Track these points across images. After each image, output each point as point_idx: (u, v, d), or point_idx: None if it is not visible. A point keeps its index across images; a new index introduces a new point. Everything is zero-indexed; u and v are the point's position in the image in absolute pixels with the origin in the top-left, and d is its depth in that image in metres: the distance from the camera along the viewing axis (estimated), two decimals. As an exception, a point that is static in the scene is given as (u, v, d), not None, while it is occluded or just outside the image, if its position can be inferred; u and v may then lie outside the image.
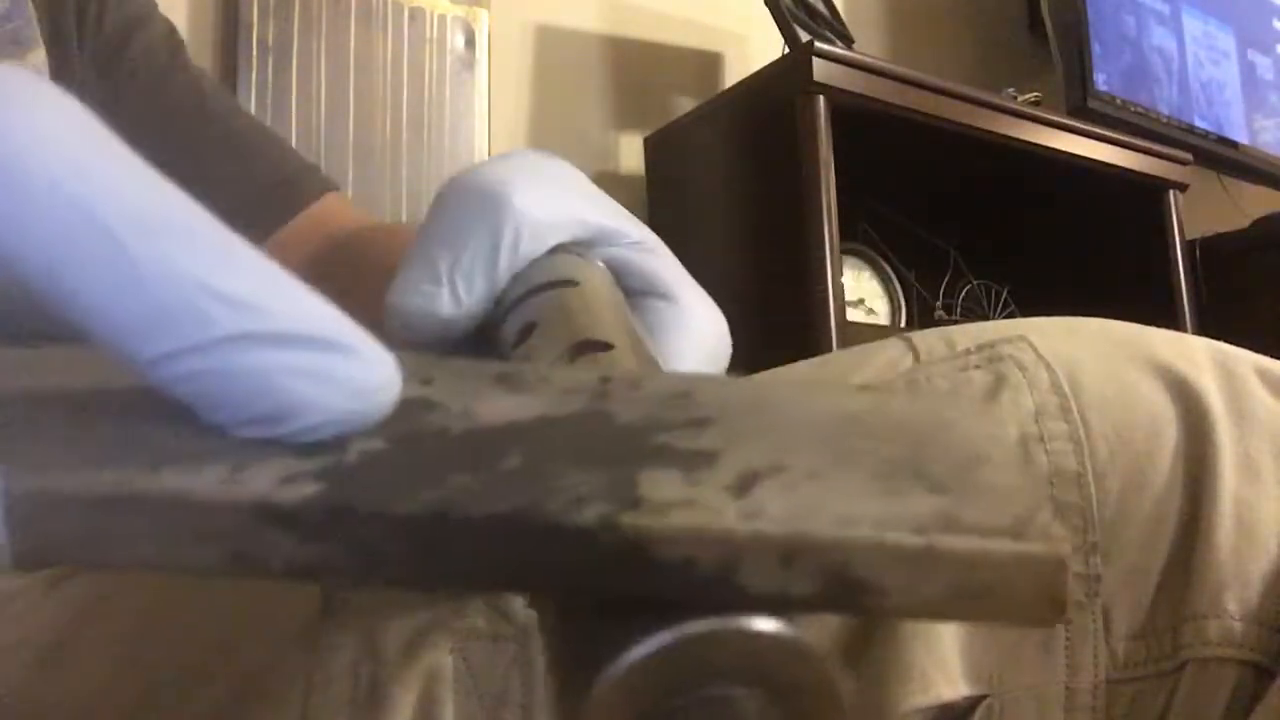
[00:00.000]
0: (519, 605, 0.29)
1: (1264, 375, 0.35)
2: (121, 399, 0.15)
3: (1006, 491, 0.14)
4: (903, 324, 1.51)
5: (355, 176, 1.24)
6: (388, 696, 0.27)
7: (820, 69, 1.18)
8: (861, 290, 1.49)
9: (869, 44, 1.63)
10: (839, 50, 1.22)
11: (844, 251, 1.29)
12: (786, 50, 1.32)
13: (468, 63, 1.35)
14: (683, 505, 0.13)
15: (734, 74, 1.59)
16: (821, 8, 1.42)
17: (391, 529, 0.13)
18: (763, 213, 1.25)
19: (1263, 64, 2.06)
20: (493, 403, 0.16)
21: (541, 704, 0.28)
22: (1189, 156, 1.59)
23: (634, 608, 0.13)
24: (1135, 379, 0.35)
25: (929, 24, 1.86)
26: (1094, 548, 0.32)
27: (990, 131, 1.34)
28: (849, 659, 0.32)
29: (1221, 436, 0.33)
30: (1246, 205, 1.93)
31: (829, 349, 1.12)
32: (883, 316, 1.51)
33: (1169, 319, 1.50)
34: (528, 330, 0.23)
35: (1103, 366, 0.35)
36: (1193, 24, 1.89)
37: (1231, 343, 0.37)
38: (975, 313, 1.59)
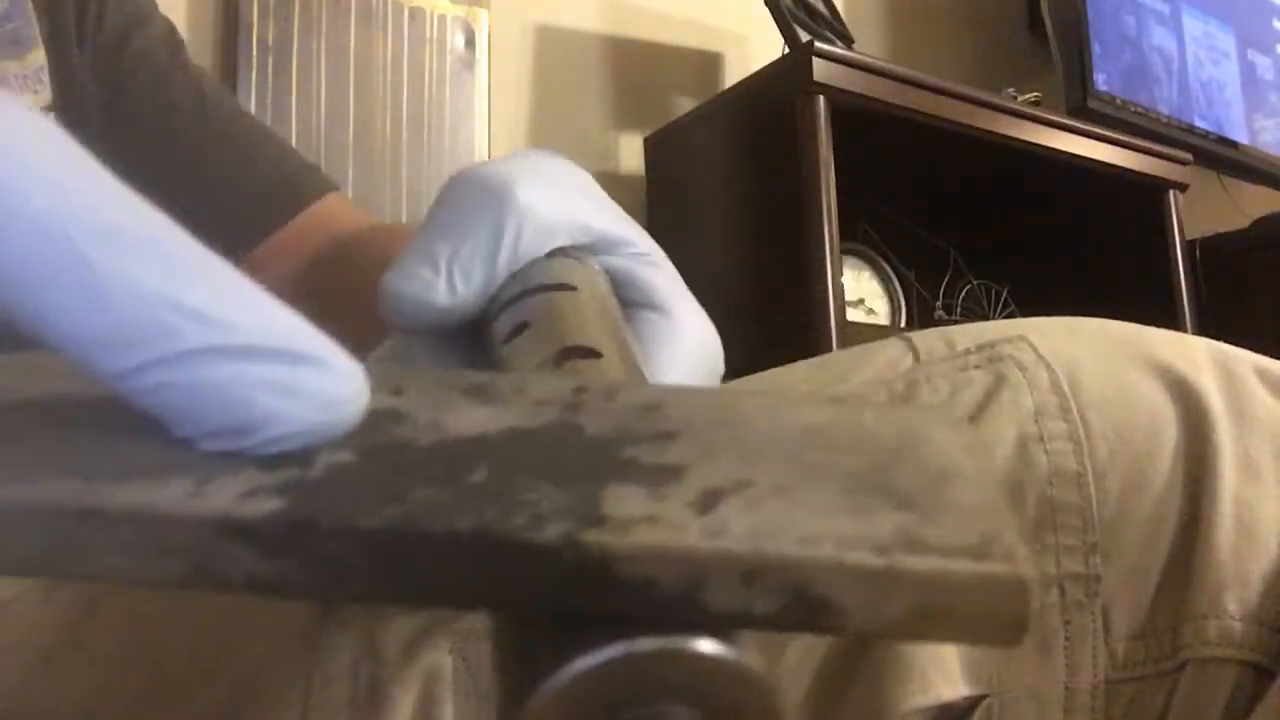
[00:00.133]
0: None
1: (1264, 375, 0.35)
2: (89, 409, 0.15)
3: (973, 510, 0.14)
4: (903, 324, 1.51)
5: (355, 176, 1.24)
6: (387, 696, 0.27)
7: (820, 69, 1.18)
8: (861, 290, 1.49)
9: (869, 44, 1.63)
10: (839, 50, 1.22)
11: (844, 251, 1.29)
12: (786, 50, 1.32)
13: (468, 63, 1.35)
14: (646, 522, 0.13)
15: (734, 74, 1.59)
16: (821, 8, 1.43)
17: (353, 545, 0.13)
18: (763, 213, 1.25)
19: (1263, 64, 2.06)
20: (463, 414, 0.16)
21: None
22: (1189, 156, 1.59)
23: (584, 618, 0.13)
24: (1135, 379, 0.35)
25: (929, 24, 1.86)
26: (1094, 548, 0.32)
27: (990, 131, 1.34)
28: (849, 659, 0.32)
29: (1221, 436, 0.33)
30: (1246, 205, 1.93)
31: (829, 349, 1.12)
32: (883, 316, 1.51)
33: (1169, 319, 1.50)
34: (519, 330, 0.23)
35: (1103, 366, 0.35)
36: (1193, 24, 1.89)
37: (1231, 343, 0.37)
38: (975, 313, 1.59)
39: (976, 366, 0.36)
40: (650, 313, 0.27)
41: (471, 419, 0.16)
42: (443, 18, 1.34)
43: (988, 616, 0.13)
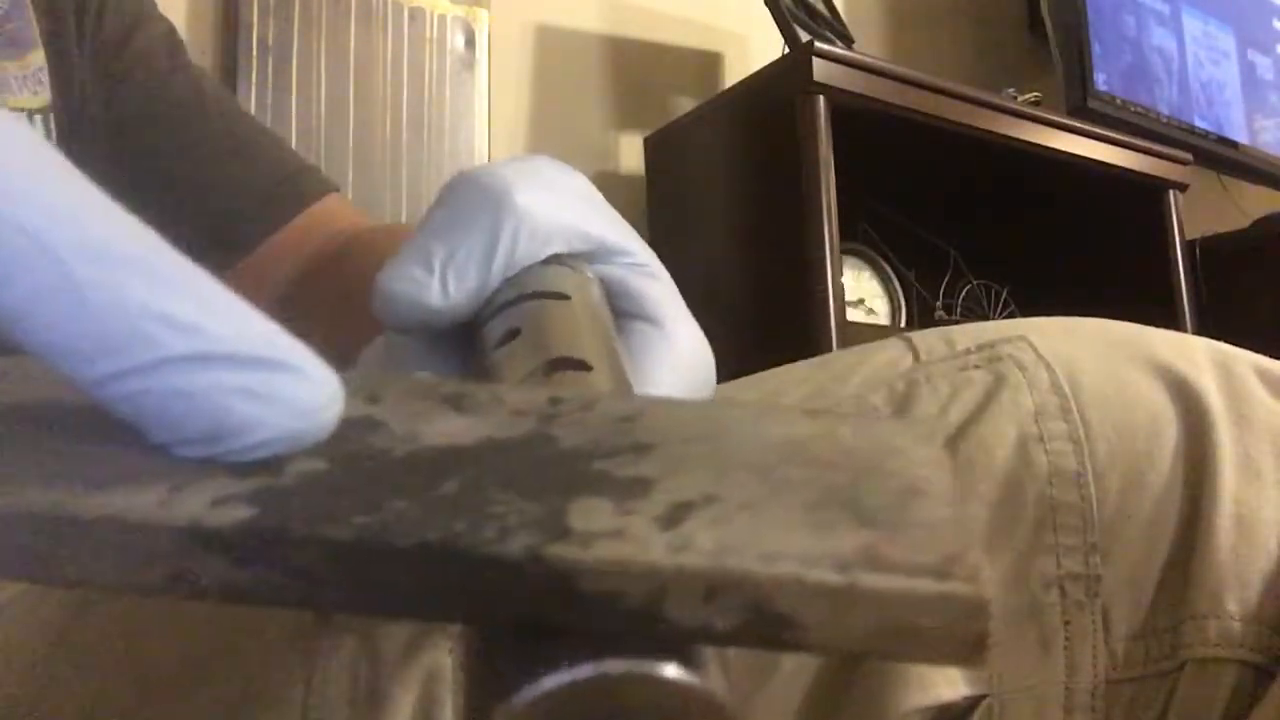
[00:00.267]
0: None
1: (1264, 375, 0.35)
2: (67, 416, 0.15)
3: (937, 529, 0.14)
4: (903, 324, 1.51)
5: (355, 176, 1.24)
6: (387, 697, 0.27)
7: (820, 69, 1.18)
8: (861, 290, 1.49)
9: (869, 44, 1.63)
10: (839, 50, 1.22)
11: (844, 251, 1.29)
12: (786, 50, 1.32)
13: (468, 63, 1.35)
14: (610, 537, 0.14)
15: (734, 74, 1.59)
16: (821, 8, 1.43)
17: (322, 555, 0.14)
18: (763, 213, 1.25)
19: (1263, 64, 2.06)
20: (438, 424, 0.16)
21: None
22: (1189, 156, 1.59)
23: (553, 637, 0.13)
24: (1135, 379, 0.35)
25: (929, 24, 1.86)
26: (1094, 548, 0.32)
27: (990, 131, 1.34)
28: (849, 660, 0.32)
29: (1221, 436, 0.33)
30: (1246, 205, 1.93)
31: (829, 349, 1.12)
32: (883, 316, 1.51)
33: (1169, 319, 1.50)
34: (510, 336, 0.23)
35: (1102, 366, 0.35)
36: (1193, 24, 1.89)
37: (1231, 343, 0.37)
38: (975, 313, 1.59)
39: (976, 366, 0.36)
40: (643, 324, 0.27)
41: (446, 429, 0.16)
42: (443, 18, 1.34)
43: (948, 636, 0.13)
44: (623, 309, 0.27)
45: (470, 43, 1.35)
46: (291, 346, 0.15)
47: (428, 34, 1.32)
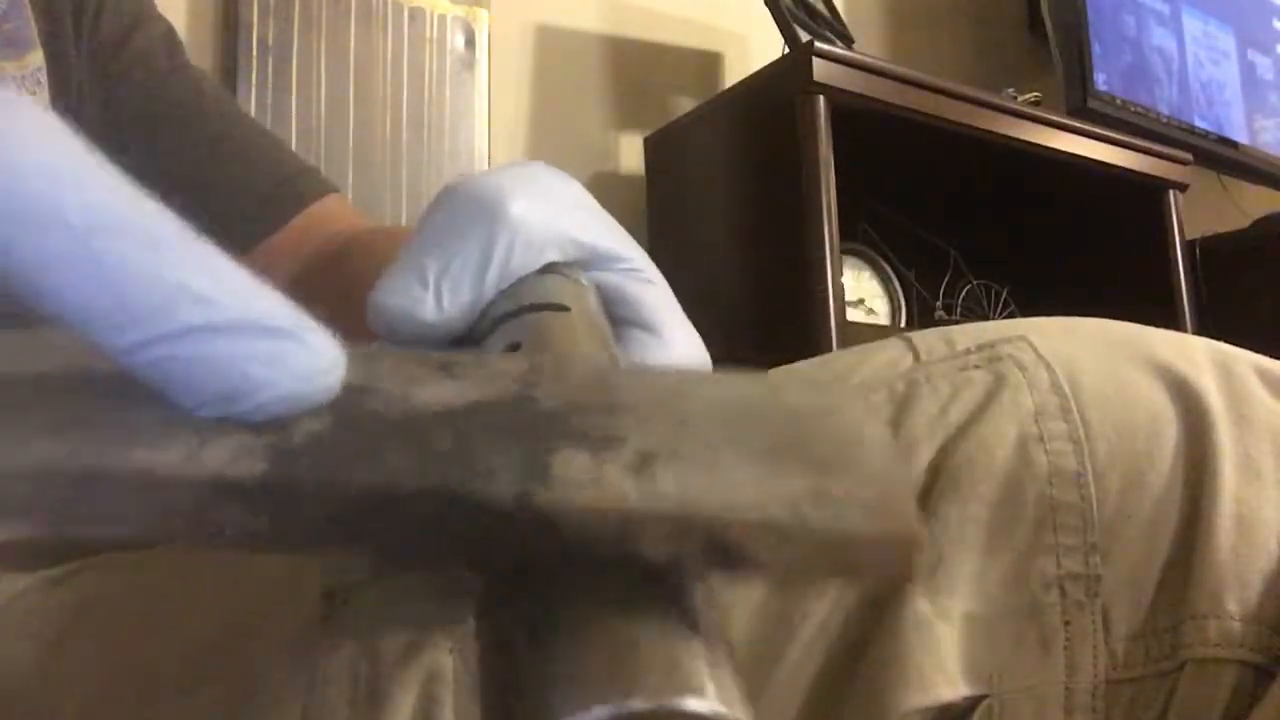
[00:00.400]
0: None
1: (1264, 375, 0.35)
2: (94, 381, 0.17)
3: (873, 473, 0.16)
4: (903, 324, 1.51)
5: (355, 177, 1.24)
6: (387, 696, 0.27)
7: (820, 69, 1.18)
8: (861, 290, 1.49)
9: (869, 44, 1.63)
10: (839, 50, 1.22)
11: (844, 251, 1.29)
12: (786, 50, 1.32)
13: (468, 63, 1.35)
14: (589, 483, 0.15)
15: (734, 74, 1.59)
16: (821, 8, 1.43)
17: (331, 502, 0.15)
18: (763, 213, 1.25)
19: (1263, 64, 2.06)
20: (429, 389, 0.18)
21: None
22: (1189, 156, 1.59)
23: (571, 679, 0.14)
24: (1135, 379, 0.35)
25: (929, 24, 1.86)
26: (1094, 548, 0.32)
27: (990, 131, 1.34)
28: (849, 660, 0.32)
29: (1221, 436, 0.33)
30: (1246, 205, 1.93)
31: (829, 349, 1.12)
32: (883, 316, 1.51)
33: (1169, 319, 1.50)
34: (511, 350, 0.23)
35: (1102, 366, 0.35)
36: (1193, 24, 1.89)
37: (1231, 343, 0.37)
38: (975, 313, 1.59)
39: (976, 366, 0.36)
40: (639, 332, 0.27)
41: (437, 393, 0.18)
42: (443, 18, 1.34)
43: (882, 564, 0.15)
44: (619, 316, 0.27)
45: (470, 43, 1.35)
46: (297, 317, 0.17)
47: (428, 34, 1.32)
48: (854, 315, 1.41)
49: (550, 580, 0.15)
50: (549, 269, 0.26)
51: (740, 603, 0.32)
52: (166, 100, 0.53)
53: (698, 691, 0.13)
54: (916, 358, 0.37)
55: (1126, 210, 1.58)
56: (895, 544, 0.15)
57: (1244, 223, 1.82)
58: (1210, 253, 1.66)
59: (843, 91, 1.20)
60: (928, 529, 0.32)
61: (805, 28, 1.31)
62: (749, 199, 1.28)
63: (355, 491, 0.15)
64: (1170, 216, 1.55)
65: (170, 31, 0.57)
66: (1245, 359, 0.36)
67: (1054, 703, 0.32)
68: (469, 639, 0.28)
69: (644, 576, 0.15)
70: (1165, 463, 0.33)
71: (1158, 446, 0.33)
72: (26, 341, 0.18)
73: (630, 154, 1.49)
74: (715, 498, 0.15)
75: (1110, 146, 1.47)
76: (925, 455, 0.34)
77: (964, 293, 1.60)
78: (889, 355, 0.37)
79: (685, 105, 1.49)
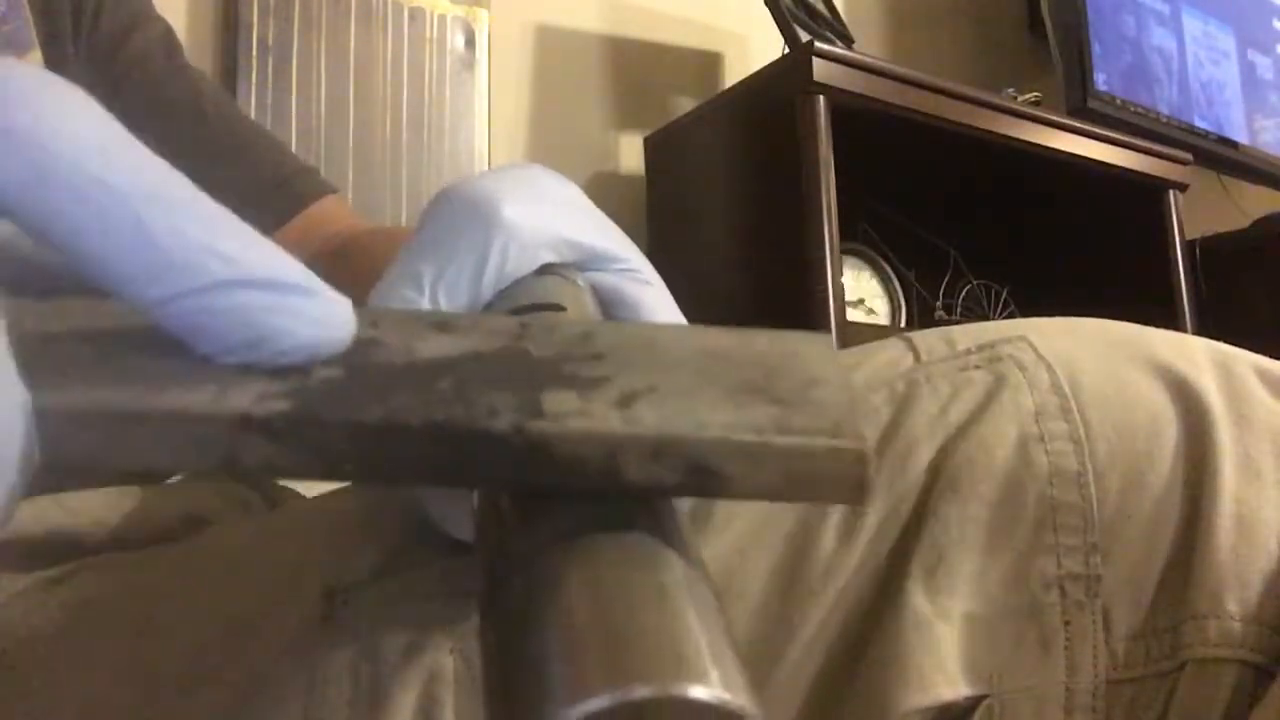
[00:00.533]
0: None
1: (1264, 375, 0.35)
2: (132, 337, 0.18)
3: (831, 405, 0.18)
4: (903, 324, 1.51)
5: (355, 177, 1.24)
6: (388, 697, 0.27)
7: (820, 69, 1.18)
8: (861, 290, 1.49)
9: (869, 44, 1.63)
10: (839, 50, 1.22)
11: (844, 251, 1.29)
12: (786, 50, 1.32)
13: (468, 63, 1.35)
14: (577, 415, 0.17)
15: (734, 74, 1.59)
16: (821, 8, 1.43)
17: (348, 435, 0.17)
18: (763, 213, 1.25)
19: (1263, 64, 2.06)
20: (429, 342, 0.20)
21: None
22: (1189, 156, 1.59)
23: (571, 662, 0.14)
24: (1135, 379, 0.35)
25: (929, 24, 1.86)
26: (1094, 548, 0.32)
27: (990, 131, 1.34)
28: (849, 659, 0.32)
29: (1221, 436, 0.33)
30: (1246, 205, 1.93)
31: (829, 349, 1.12)
32: (883, 316, 1.51)
33: (1169, 319, 1.50)
34: None
35: (1102, 366, 0.35)
36: (1193, 24, 1.89)
37: (1231, 343, 0.37)
38: (975, 313, 1.59)
39: (977, 366, 0.36)
40: None
41: (436, 345, 0.20)
42: (443, 18, 1.34)
43: (838, 481, 0.17)
44: (616, 316, 0.27)
45: (470, 43, 1.35)
46: (311, 275, 0.18)
47: (428, 34, 1.32)
48: (854, 315, 1.41)
49: (545, 548, 0.16)
50: (545, 270, 0.26)
51: (740, 603, 0.32)
52: (165, 101, 0.53)
53: (701, 678, 0.14)
54: (917, 358, 0.37)
55: (1126, 210, 1.58)
56: (848, 461, 0.17)
57: (1244, 223, 1.82)
58: (1210, 253, 1.66)
59: (843, 91, 1.20)
60: (927, 528, 0.32)
61: (805, 28, 1.31)
62: (749, 199, 1.28)
63: (368, 425, 0.17)
64: (1170, 216, 1.55)
65: (169, 32, 0.57)
66: (1245, 359, 0.36)
67: (1054, 703, 0.32)
68: (469, 639, 0.28)
69: (639, 537, 0.16)
70: (1165, 463, 0.33)
71: (1158, 446, 0.33)
72: (63, 306, 0.20)
73: (630, 154, 1.49)
74: (691, 426, 0.17)
75: (1110, 146, 1.47)
76: (925, 455, 0.34)
77: (964, 293, 1.60)
78: (889, 355, 0.37)
79: (685, 105, 1.49)
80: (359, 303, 0.25)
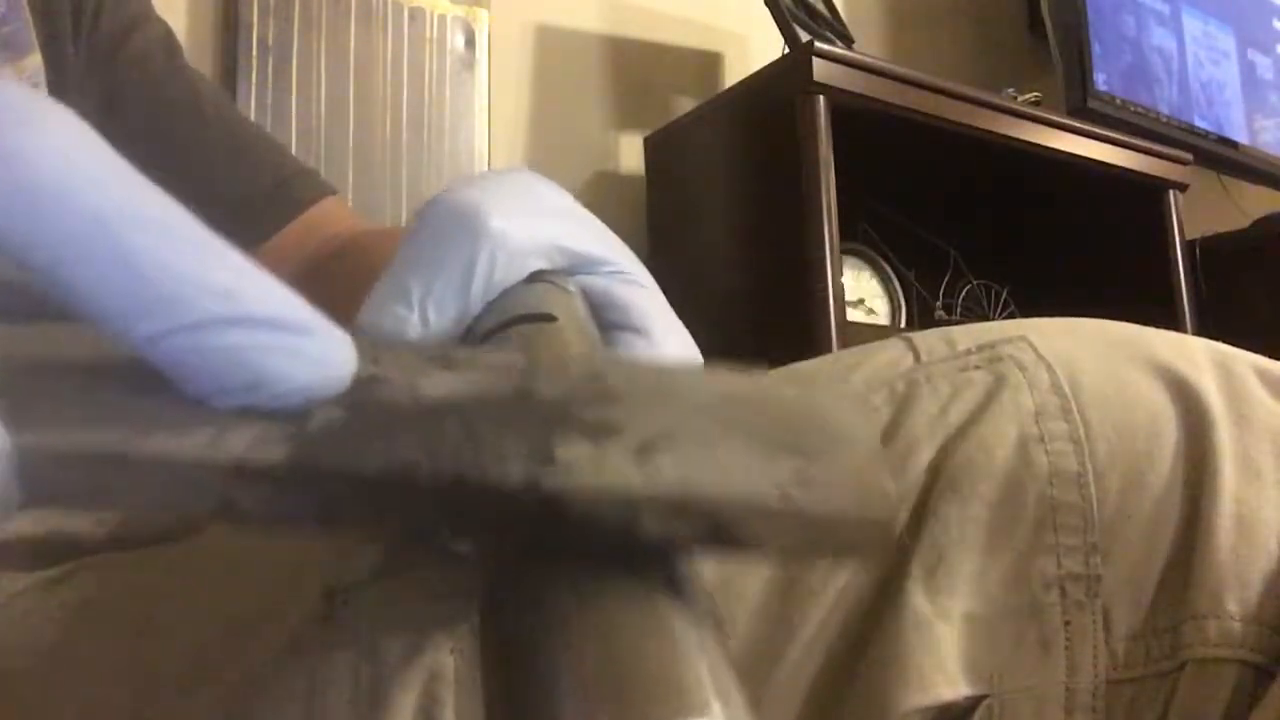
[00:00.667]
0: None
1: (1263, 375, 0.35)
2: (118, 370, 0.17)
3: (857, 462, 0.18)
4: (903, 324, 1.51)
5: (355, 177, 1.24)
6: (388, 697, 0.27)
7: (820, 69, 1.18)
8: (861, 290, 1.49)
9: (869, 44, 1.63)
10: (839, 50, 1.22)
11: (844, 251, 1.29)
12: (786, 50, 1.32)
13: (468, 63, 1.35)
14: (592, 467, 0.16)
15: (734, 74, 1.59)
16: (821, 8, 1.43)
17: (348, 485, 0.16)
18: (763, 213, 1.25)
19: (1263, 64, 2.06)
20: (434, 380, 0.19)
21: None
22: (1189, 156, 1.59)
23: (578, 693, 0.14)
24: (1135, 379, 0.35)
25: (929, 24, 1.86)
26: (1094, 548, 0.32)
27: (990, 131, 1.34)
28: (849, 659, 0.32)
29: (1221, 436, 0.33)
30: (1246, 205, 1.93)
31: (829, 349, 1.12)
32: (883, 316, 1.51)
33: (1169, 319, 1.50)
34: None
35: (1102, 366, 0.35)
36: (1193, 24, 1.89)
37: (1231, 343, 0.37)
38: (975, 313, 1.59)
39: (977, 367, 0.36)
40: (630, 335, 0.26)
41: (441, 384, 0.18)
42: (443, 18, 1.34)
43: (861, 545, 0.17)
44: (609, 320, 0.27)
45: (470, 43, 1.35)
46: (311, 312, 0.17)
47: (428, 34, 1.32)
48: (854, 315, 1.41)
49: (550, 581, 0.15)
50: (535, 278, 0.26)
51: (740, 603, 0.32)
52: (164, 102, 0.53)
53: (702, 710, 0.14)
54: (917, 358, 0.37)
55: (1126, 210, 1.58)
56: (873, 524, 0.17)
57: (1244, 223, 1.82)
58: (1210, 253, 1.66)
59: (843, 91, 1.20)
60: (928, 529, 0.32)
61: (805, 28, 1.31)
62: (749, 199, 1.28)
63: (371, 475, 0.16)
64: (1170, 216, 1.55)
65: (168, 34, 0.57)
66: (1245, 359, 0.36)
67: (1054, 703, 0.32)
68: (470, 639, 0.28)
69: (643, 573, 0.15)
70: (1165, 463, 0.33)
71: (1158, 446, 0.33)
72: (46, 334, 0.19)
73: (630, 154, 1.49)
74: (711, 482, 0.16)
75: (1110, 146, 1.47)
76: (925, 455, 0.34)
77: (964, 293, 1.60)
78: (889, 355, 0.37)
79: (685, 105, 1.49)
80: (358, 304, 0.25)
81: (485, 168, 1.34)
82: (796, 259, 1.17)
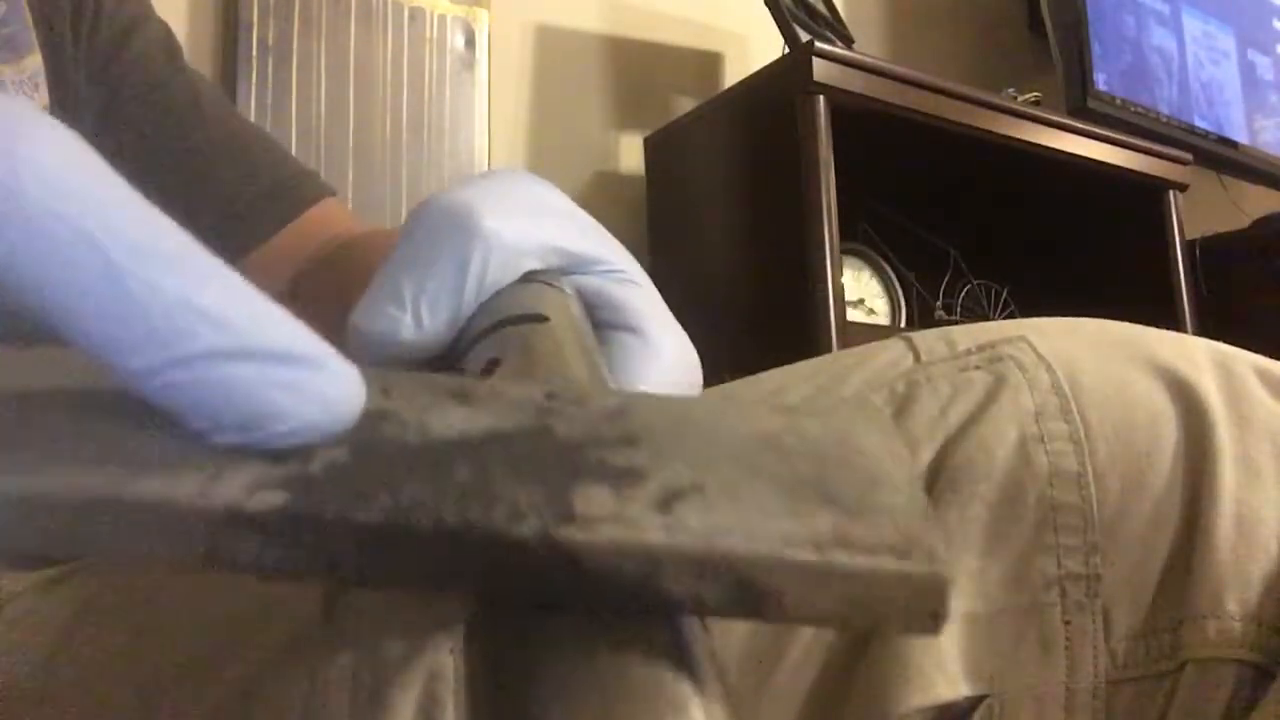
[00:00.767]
0: None
1: (1263, 375, 0.35)
2: (107, 403, 0.16)
3: (899, 513, 0.16)
4: (903, 324, 1.51)
5: (355, 177, 1.24)
6: (388, 697, 0.27)
7: (820, 69, 1.18)
8: (861, 290, 1.49)
9: (869, 44, 1.63)
10: (839, 50, 1.22)
11: (844, 251, 1.29)
12: (786, 50, 1.32)
13: (468, 63, 1.35)
14: (611, 520, 0.15)
15: (734, 74, 1.59)
16: (821, 8, 1.43)
17: (350, 535, 0.15)
18: (763, 213, 1.25)
19: (1263, 64, 2.06)
20: (445, 415, 0.17)
21: None
22: (1189, 156, 1.59)
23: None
24: (1135, 379, 0.35)
25: (929, 24, 1.86)
26: (1094, 548, 0.32)
27: (990, 131, 1.34)
28: (849, 659, 0.32)
29: (1221, 436, 0.33)
30: (1246, 205, 1.93)
31: (829, 349, 1.12)
32: (883, 316, 1.51)
33: (1169, 319, 1.50)
34: (492, 366, 0.23)
35: (1102, 366, 0.35)
36: (1193, 24, 1.89)
37: (1231, 343, 0.37)
38: (975, 313, 1.59)
39: (977, 367, 0.36)
40: (625, 334, 0.26)
41: (453, 420, 0.17)
42: (443, 18, 1.34)
43: (909, 609, 0.15)
44: (604, 319, 0.27)
45: (470, 43, 1.35)
46: (317, 343, 0.16)
47: (428, 34, 1.32)
48: (854, 315, 1.41)
49: (544, 611, 0.15)
50: (529, 278, 0.25)
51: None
52: (164, 103, 0.53)
53: (681, 710, 0.13)
54: (917, 358, 0.37)
55: (1126, 210, 1.58)
56: (920, 587, 0.15)
57: (1244, 223, 1.82)
58: (1210, 253, 1.66)
59: (843, 91, 1.20)
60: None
61: (805, 28, 1.31)
62: (749, 199, 1.28)
63: (374, 525, 0.15)
64: (1170, 216, 1.55)
65: (168, 34, 0.57)
66: (1245, 359, 0.36)
67: (1054, 703, 0.32)
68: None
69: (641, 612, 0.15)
70: (1165, 463, 0.33)
71: (1158, 447, 0.33)
72: (33, 359, 0.18)
73: (630, 154, 1.49)
74: (741, 538, 0.15)
75: (1110, 146, 1.47)
76: (925, 456, 0.34)
77: (964, 293, 1.60)
78: (889, 356, 0.37)
79: (685, 105, 1.49)
80: (354, 305, 0.25)
81: (485, 168, 1.34)
82: (796, 259, 1.17)
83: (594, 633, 0.14)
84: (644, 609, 0.15)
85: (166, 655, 0.30)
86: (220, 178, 0.53)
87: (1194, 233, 1.62)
